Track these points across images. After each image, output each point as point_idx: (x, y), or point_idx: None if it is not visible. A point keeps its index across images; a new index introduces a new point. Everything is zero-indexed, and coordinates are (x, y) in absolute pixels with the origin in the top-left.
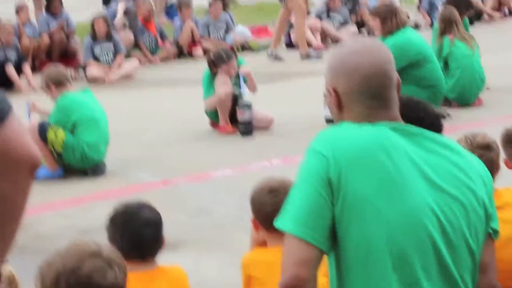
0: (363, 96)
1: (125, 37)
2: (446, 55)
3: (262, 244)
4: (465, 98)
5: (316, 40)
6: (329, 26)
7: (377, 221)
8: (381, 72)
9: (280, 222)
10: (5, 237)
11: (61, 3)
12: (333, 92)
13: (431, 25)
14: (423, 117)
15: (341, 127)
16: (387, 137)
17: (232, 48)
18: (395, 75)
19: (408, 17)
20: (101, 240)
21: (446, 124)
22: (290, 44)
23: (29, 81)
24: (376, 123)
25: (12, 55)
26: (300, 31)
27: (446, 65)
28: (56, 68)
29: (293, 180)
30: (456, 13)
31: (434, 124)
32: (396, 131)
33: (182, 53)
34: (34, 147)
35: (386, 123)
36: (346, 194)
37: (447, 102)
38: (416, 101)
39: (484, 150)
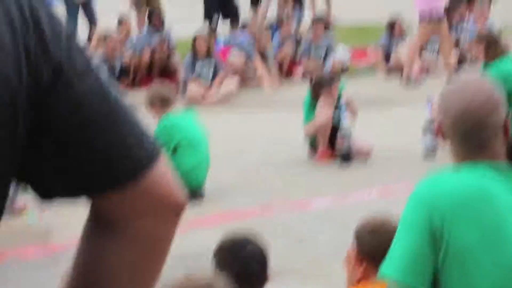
0: (455, 136)
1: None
2: None
3: (360, 279)
4: None
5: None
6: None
7: (480, 273)
8: (470, 115)
9: (385, 271)
10: (155, 274)
11: (161, 16)
12: (438, 124)
13: None
14: None
15: (441, 175)
16: (488, 185)
17: (334, 73)
18: (495, 119)
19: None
20: (201, 266)
21: None
22: (390, 72)
23: None
24: (475, 167)
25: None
26: (411, 52)
27: None
28: (163, 87)
29: (395, 219)
30: None
31: None
32: (496, 176)
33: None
34: (180, 190)
35: (484, 168)
36: (448, 245)
37: None
38: None
39: None
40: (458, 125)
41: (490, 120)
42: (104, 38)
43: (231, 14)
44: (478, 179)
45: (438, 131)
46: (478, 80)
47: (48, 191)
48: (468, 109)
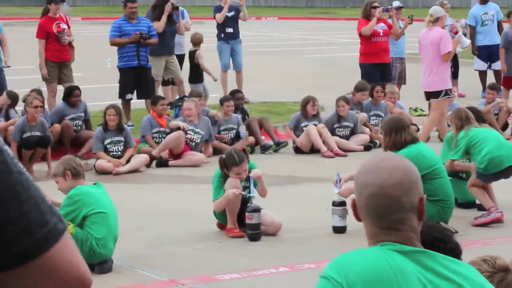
0: (370, 215)
1: None
2: (466, 143)
3: None
4: (496, 164)
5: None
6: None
7: None
8: (386, 194)
9: None
10: None
11: (78, 92)
12: (352, 203)
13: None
14: (440, 239)
15: (351, 253)
16: (397, 263)
17: (244, 150)
18: (412, 199)
19: (418, 129)
20: None
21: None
22: (297, 149)
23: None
24: (384, 245)
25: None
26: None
27: (467, 154)
28: (76, 159)
29: None
30: (470, 112)
31: (453, 248)
32: (405, 255)
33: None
34: (85, 267)
35: (393, 246)
36: None
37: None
38: (430, 225)
39: (505, 273)
40: (371, 206)
41: (404, 201)
42: (24, 100)
43: (147, 94)
44: (387, 257)
45: (353, 210)
46: (394, 158)
47: None
48: (382, 189)
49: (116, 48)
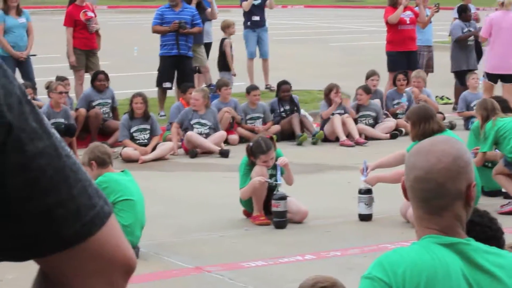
0: (415, 197)
1: None
2: (495, 134)
3: None
4: None
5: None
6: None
7: None
8: (431, 179)
9: None
10: None
11: (107, 77)
12: (402, 183)
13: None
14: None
15: (395, 252)
16: (441, 257)
17: (271, 138)
18: (458, 185)
19: (444, 118)
20: None
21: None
22: (324, 137)
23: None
24: (426, 238)
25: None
26: None
27: (495, 144)
28: (101, 147)
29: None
30: (495, 102)
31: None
32: (448, 247)
33: None
34: (130, 250)
35: (436, 239)
36: None
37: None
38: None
39: None
40: (416, 188)
41: (450, 187)
42: (47, 87)
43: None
44: (434, 255)
45: (403, 189)
46: (447, 142)
47: None
48: (428, 173)
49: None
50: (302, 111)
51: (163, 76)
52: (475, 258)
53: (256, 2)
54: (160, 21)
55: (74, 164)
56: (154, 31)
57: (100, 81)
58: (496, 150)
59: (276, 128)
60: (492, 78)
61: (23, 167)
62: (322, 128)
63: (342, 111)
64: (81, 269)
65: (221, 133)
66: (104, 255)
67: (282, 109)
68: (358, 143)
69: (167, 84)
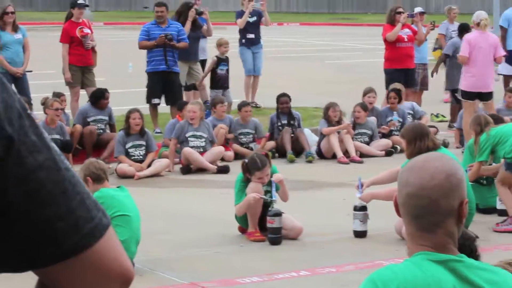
0: (408, 214)
1: None
2: (491, 143)
3: None
4: None
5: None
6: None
7: None
8: (424, 195)
9: None
10: None
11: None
12: (394, 199)
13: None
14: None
15: (387, 268)
16: (433, 274)
17: (266, 155)
18: (451, 202)
19: (437, 131)
20: None
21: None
22: (320, 154)
23: None
24: (418, 255)
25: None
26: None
27: (492, 153)
28: (96, 163)
29: None
30: (488, 116)
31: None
32: (441, 264)
33: None
34: (128, 262)
35: (428, 256)
36: None
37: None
38: None
39: None
40: (409, 205)
41: (442, 204)
42: (43, 103)
43: (174, 100)
44: (427, 273)
45: (395, 206)
46: (440, 159)
47: None
48: (421, 190)
49: (143, 52)
50: (306, 130)
51: (152, 92)
52: (467, 275)
53: (251, 20)
54: (147, 37)
55: (73, 177)
56: (141, 47)
57: (107, 99)
58: (492, 163)
59: (271, 144)
60: (470, 96)
61: (23, 179)
62: (319, 144)
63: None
64: (79, 280)
65: (219, 149)
66: (102, 267)
67: (279, 123)
68: (353, 161)
69: (155, 100)
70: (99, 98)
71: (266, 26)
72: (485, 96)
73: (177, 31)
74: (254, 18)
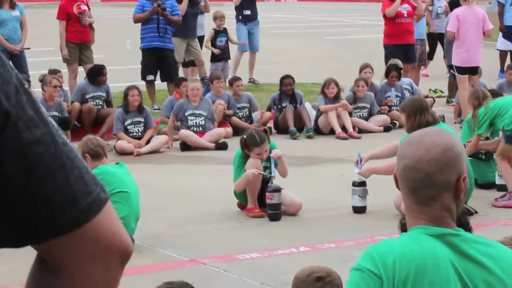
0: (405, 187)
1: None
2: (489, 115)
3: None
4: None
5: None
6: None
7: None
8: (420, 169)
9: None
10: None
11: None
12: (394, 172)
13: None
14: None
15: (383, 243)
16: (430, 248)
17: (265, 131)
18: (447, 176)
19: (434, 101)
20: None
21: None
22: (318, 130)
23: None
24: (415, 229)
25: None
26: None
27: (491, 126)
28: (94, 139)
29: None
30: (486, 90)
31: (462, 224)
32: (437, 238)
33: None
34: (126, 236)
35: (425, 230)
36: None
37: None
38: None
39: None
40: (406, 178)
41: (438, 178)
42: (41, 80)
43: (168, 76)
44: (424, 246)
45: (394, 179)
46: (438, 132)
47: None
48: (417, 163)
49: (138, 29)
50: (307, 104)
51: (146, 69)
52: (464, 248)
53: None
54: (141, 11)
55: (71, 151)
56: (135, 20)
57: (104, 75)
58: (489, 137)
59: (268, 115)
60: (463, 71)
61: (20, 154)
62: (316, 120)
63: (338, 103)
64: (78, 255)
65: (219, 131)
66: (100, 241)
67: (283, 104)
68: (352, 137)
69: (150, 77)
70: (97, 74)
71: (263, 0)
72: (475, 70)
73: (171, 6)
74: None
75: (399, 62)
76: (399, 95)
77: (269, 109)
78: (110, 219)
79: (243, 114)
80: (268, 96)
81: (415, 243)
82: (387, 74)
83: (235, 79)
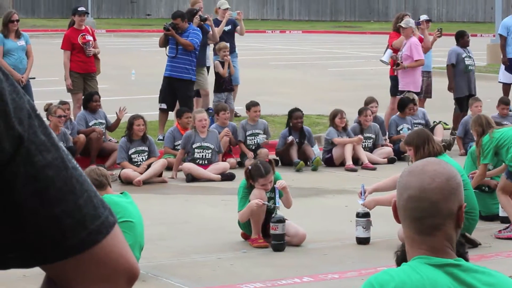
0: (407, 217)
1: None
2: (494, 145)
3: None
4: None
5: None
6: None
7: None
8: (425, 198)
9: None
10: None
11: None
12: (393, 204)
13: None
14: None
15: (384, 273)
16: (430, 277)
17: (270, 162)
18: (450, 206)
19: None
20: None
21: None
22: (328, 161)
23: None
24: (416, 259)
25: None
26: None
27: (496, 154)
28: (97, 169)
29: None
30: (489, 117)
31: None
32: (438, 268)
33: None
34: (133, 259)
35: (426, 260)
36: None
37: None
38: None
39: None
40: (410, 208)
41: (442, 207)
42: (47, 109)
43: (173, 106)
44: (424, 277)
45: (393, 211)
46: (439, 163)
47: None
48: (422, 192)
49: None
50: (314, 148)
51: (159, 96)
52: (465, 278)
53: (226, 28)
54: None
55: (81, 175)
56: (160, 44)
57: (96, 101)
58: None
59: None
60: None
61: (32, 177)
62: (330, 152)
63: (346, 137)
64: (86, 276)
65: (224, 165)
66: (108, 263)
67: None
68: (367, 168)
69: (162, 105)
70: (87, 101)
71: (241, 35)
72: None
73: (187, 31)
74: (229, 27)
75: (415, 96)
76: (410, 127)
77: (279, 148)
78: (117, 242)
79: (251, 142)
80: (273, 127)
81: (415, 272)
82: (401, 107)
83: (254, 104)
